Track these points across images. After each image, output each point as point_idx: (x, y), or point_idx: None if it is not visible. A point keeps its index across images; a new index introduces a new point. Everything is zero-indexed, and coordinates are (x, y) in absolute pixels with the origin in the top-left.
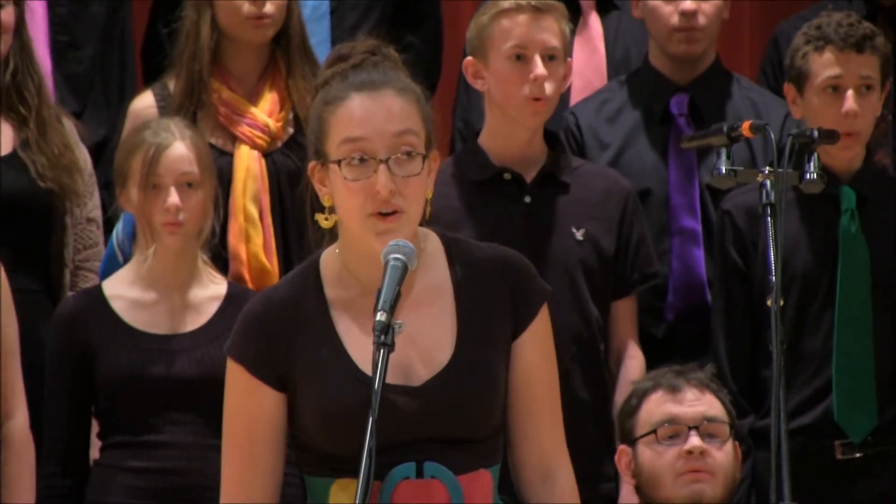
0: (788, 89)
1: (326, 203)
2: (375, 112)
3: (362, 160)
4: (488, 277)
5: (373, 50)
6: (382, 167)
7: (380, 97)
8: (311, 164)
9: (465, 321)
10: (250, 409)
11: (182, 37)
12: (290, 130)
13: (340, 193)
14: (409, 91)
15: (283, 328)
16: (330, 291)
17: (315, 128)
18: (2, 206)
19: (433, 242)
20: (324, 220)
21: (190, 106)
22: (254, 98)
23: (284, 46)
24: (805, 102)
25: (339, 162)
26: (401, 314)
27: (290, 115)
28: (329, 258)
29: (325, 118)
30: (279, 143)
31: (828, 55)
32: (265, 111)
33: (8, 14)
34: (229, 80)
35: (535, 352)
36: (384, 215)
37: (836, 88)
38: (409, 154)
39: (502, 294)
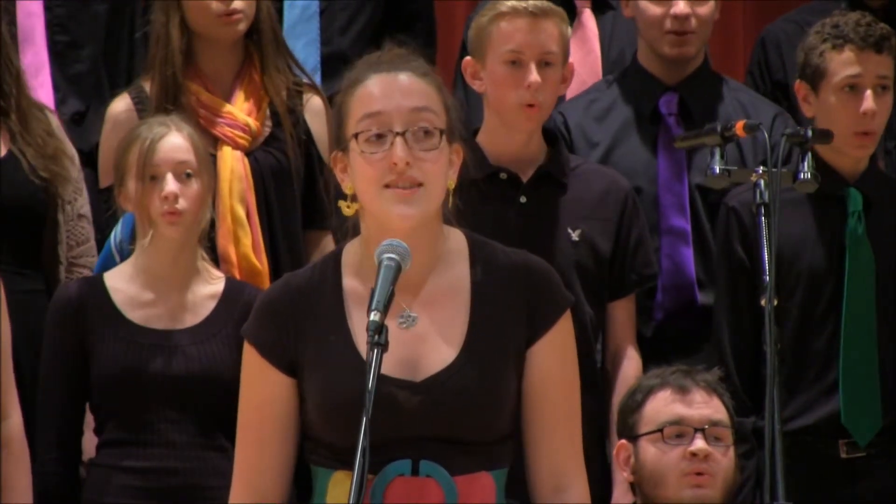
0: (800, 87)
1: (348, 191)
2: (393, 89)
3: (379, 135)
4: (508, 283)
5: (401, 54)
6: (399, 139)
7: (398, 76)
8: (334, 153)
9: (477, 323)
10: (261, 391)
11: (152, 40)
12: (269, 127)
13: (359, 168)
14: (430, 76)
15: (296, 314)
16: (347, 282)
17: (336, 116)
18: (3, 208)
19: (458, 241)
20: (346, 208)
21: (166, 109)
22: (230, 97)
23: (256, 41)
24: (820, 101)
25: (356, 136)
26: (416, 307)
27: (268, 112)
28: (352, 249)
29: (345, 102)
30: (259, 141)
31: (847, 54)
32: (244, 110)
33: None
34: (205, 81)
35: (551, 361)
36: (401, 187)
37: (854, 87)
38: (426, 131)
39: (519, 301)
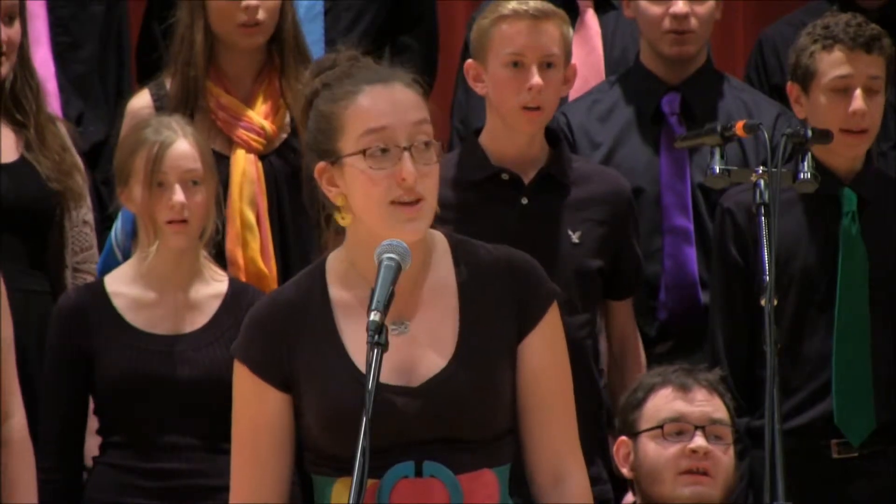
0: (792, 88)
1: (339, 203)
2: (393, 102)
3: (384, 150)
4: (493, 279)
5: (355, 58)
6: (406, 154)
7: (393, 89)
8: (320, 165)
9: (467, 322)
10: (256, 409)
11: (176, 39)
12: (287, 132)
13: (360, 185)
14: (416, 84)
15: (287, 330)
16: (334, 293)
17: (323, 128)
18: (13, 210)
19: (440, 242)
20: (340, 220)
21: (186, 110)
22: (249, 100)
23: (278, 49)
24: (810, 102)
25: (363, 152)
26: (406, 314)
27: (287, 118)
28: (335, 259)
29: (337, 115)
30: (276, 145)
31: (837, 54)
32: (261, 113)
33: (15, 32)
34: (225, 83)
35: (542, 354)
36: (407, 205)
37: (843, 88)
38: (426, 143)
39: (507, 296)
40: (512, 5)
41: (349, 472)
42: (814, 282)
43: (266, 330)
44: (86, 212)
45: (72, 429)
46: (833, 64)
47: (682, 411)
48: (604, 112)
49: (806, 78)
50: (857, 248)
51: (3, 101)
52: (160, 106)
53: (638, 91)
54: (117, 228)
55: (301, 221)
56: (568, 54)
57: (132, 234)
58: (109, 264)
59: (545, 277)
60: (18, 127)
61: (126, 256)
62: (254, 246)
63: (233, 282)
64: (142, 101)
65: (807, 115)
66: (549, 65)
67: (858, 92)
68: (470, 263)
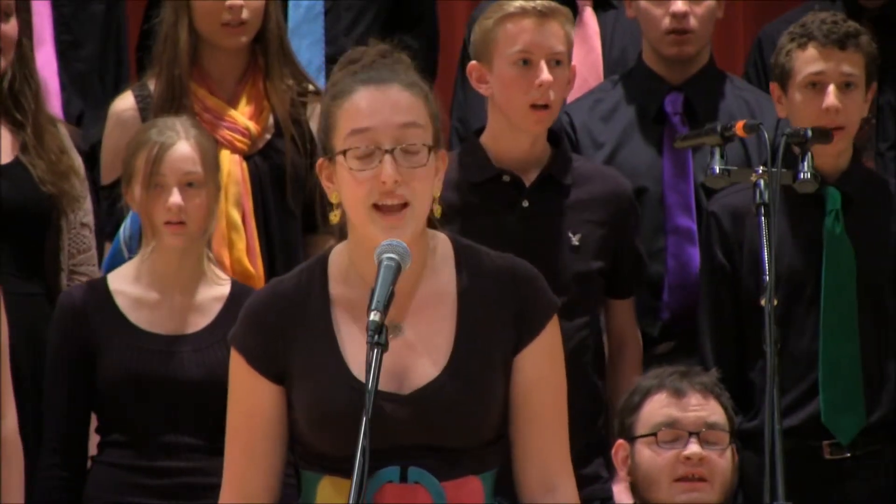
0: (773, 88)
1: (334, 200)
2: (381, 104)
3: (367, 151)
4: (494, 288)
5: (384, 53)
6: (388, 157)
7: (386, 90)
8: (319, 161)
9: (464, 331)
10: (249, 399)
11: (160, 38)
12: (271, 132)
13: (346, 185)
14: (417, 87)
15: (283, 323)
16: (334, 289)
17: (323, 124)
18: (6, 213)
19: (444, 246)
20: (333, 216)
21: (170, 110)
22: (234, 101)
23: (262, 50)
24: (788, 100)
25: (344, 152)
26: (404, 317)
27: (271, 119)
28: (338, 254)
29: (332, 112)
30: (260, 146)
31: (810, 51)
32: (245, 114)
33: (12, 27)
34: (209, 84)
35: (539, 366)
36: (389, 211)
37: (817, 84)
38: (413, 146)
39: (507, 307)
40: (517, 3)
41: (336, 471)
42: (800, 281)
43: (263, 321)
44: (85, 213)
45: (75, 426)
46: (807, 61)
47: (675, 417)
48: (606, 112)
49: (783, 76)
50: (842, 246)
51: (3, 101)
52: (144, 107)
53: (641, 91)
54: (126, 226)
55: (286, 222)
56: (571, 54)
57: (139, 232)
58: (117, 261)
59: (547, 288)
60: (16, 127)
61: (133, 255)
62: (240, 246)
63: (235, 284)
64: (125, 102)
65: (787, 115)
66: (556, 62)
67: (831, 88)
68: (472, 271)
